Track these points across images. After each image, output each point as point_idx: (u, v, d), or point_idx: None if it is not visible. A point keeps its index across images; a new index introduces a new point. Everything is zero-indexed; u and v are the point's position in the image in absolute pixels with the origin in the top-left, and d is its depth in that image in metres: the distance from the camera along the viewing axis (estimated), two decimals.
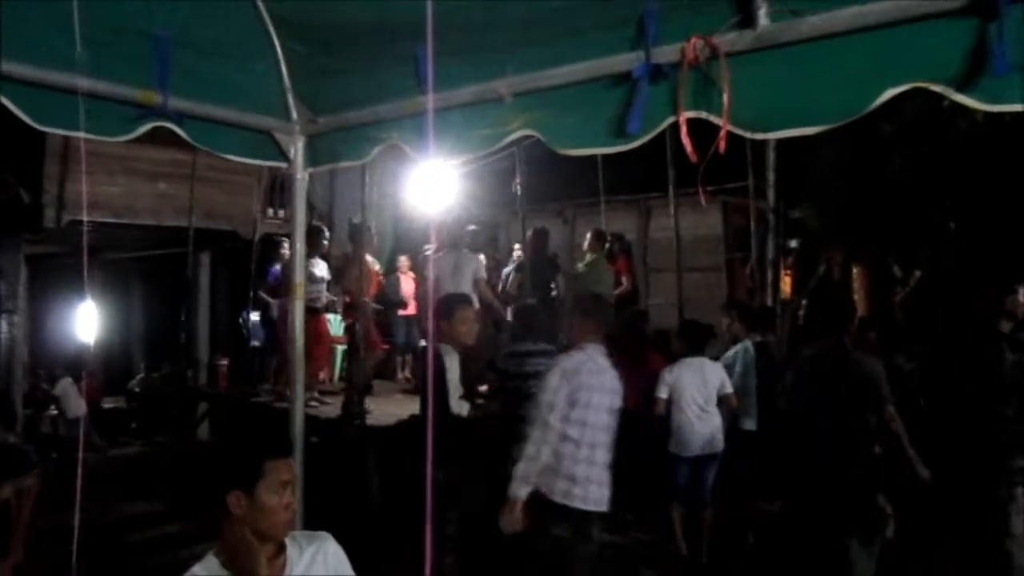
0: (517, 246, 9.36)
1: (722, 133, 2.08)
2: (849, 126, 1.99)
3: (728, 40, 2.07)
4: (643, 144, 2.31)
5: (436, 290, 6.07)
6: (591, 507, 3.60)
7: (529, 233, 8.63)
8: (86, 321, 10.39)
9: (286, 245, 7.87)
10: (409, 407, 6.77)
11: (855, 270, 8.87)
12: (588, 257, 8.27)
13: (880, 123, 8.20)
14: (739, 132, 2.10)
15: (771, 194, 9.97)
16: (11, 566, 4.16)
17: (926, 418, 4.45)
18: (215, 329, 11.92)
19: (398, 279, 9.31)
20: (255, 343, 9.65)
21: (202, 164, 9.55)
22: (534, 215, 10.17)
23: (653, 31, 2.16)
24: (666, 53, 2.16)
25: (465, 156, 2.75)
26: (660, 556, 5.76)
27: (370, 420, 6.66)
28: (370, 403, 7.04)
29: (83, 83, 2.32)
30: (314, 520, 2.72)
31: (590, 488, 3.59)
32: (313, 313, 6.73)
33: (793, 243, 10.31)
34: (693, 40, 2.08)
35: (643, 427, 5.79)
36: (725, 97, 2.05)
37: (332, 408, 7.22)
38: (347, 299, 7.70)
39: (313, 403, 6.97)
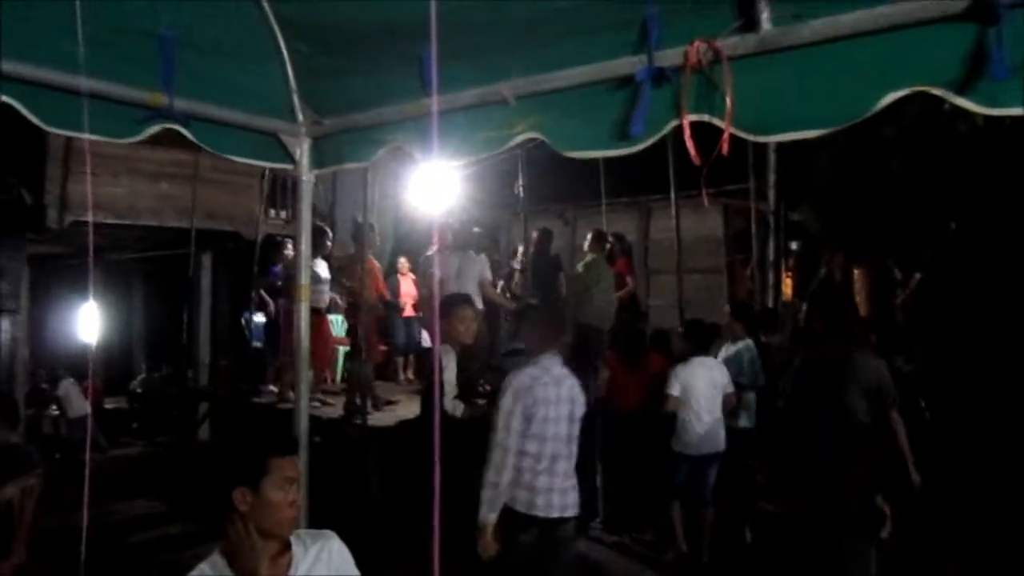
0: (520, 248, 9.39)
1: (725, 136, 2.09)
2: (850, 129, 2.01)
3: (731, 44, 2.08)
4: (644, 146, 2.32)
5: (440, 292, 6.08)
6: (555, 514, 3.63)
7: (535, 233, 8.68)
8: (88, 322, 10.42)
9: (290, 245, 7.89)
10: (413, 408, 6.78)
11: (855, 272, 8.89)
12: (588, 258, 8.29)
13: (880, 126, 8.23)
14: (741, 135, 2.12)
15: (772, 196, 10.01)
16: (14, 566, 4.16)
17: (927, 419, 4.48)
18: (216, 330, 11.94)
19: (397, 280, 9.32)
20: (256, 344, 9.66)
21: (204, 165, 9.56)
22: (535, 216, 10.18)
23: (656, 34, 2.18)
24: (669, 56, 2.17)
25: (469, 158, 2.76)
26: (661, 555, 5.78)
27: (372, 421, 6.67)
28: (371, 404, 7.06)
29: (90, 85, 2.34)
30: (315, 519, 2.74)
31: (552, 497, 3.62)
32: (315, 314, 6.74)
33: (794, 245, 10.33)
34: (696, 44, 2.10)
35: (644, 427, 5.82)
36: (728, 100, 2.06)
37: (334, 409, 7.24)
38: (349, 300, 7.71)
39: (315, 403, 6.99)
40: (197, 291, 11.55)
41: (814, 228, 10.44)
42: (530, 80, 2.49)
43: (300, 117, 3.18)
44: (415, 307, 9.03)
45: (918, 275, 7.81)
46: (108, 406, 12.18)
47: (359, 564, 2.04)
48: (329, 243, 7.73)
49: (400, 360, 9.53)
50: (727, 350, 6.18)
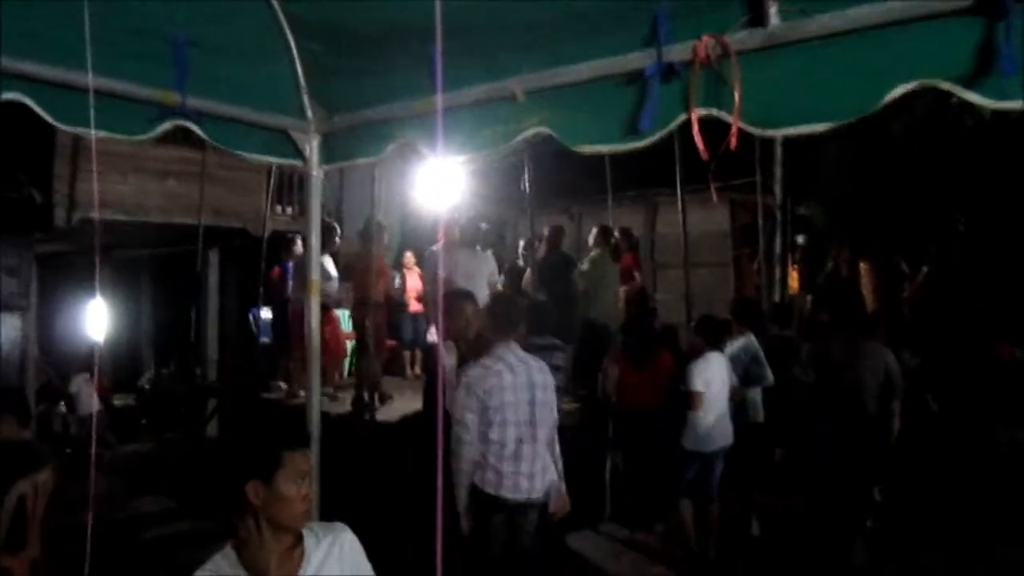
0: (521, 243, 9.39)
1: (733, 130, 2.11)
2: (856, 124, 2.02)
3: (739, 39, 2.09)
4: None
5: (447, 287, 6.09)
6: (522, 497, 3.73)
7: (545, 230, 8.66)
8: (96, 319, 10.47)
9: (299, 242, 7.91)
10: (415, 403, 6.83)
11: (862, 266, 8.87)
12: (593, 253, 8.29)
13: (888, 120, 8.21)
14: (749, 129, 2.13)
15: (778, 190, 10.00)
16: (27, 561, 4.19)
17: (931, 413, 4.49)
18: (224, 326, 11.98)
19: (403, 275, 9.35)
20: (264, 340, 9.69)
21: (211, 162, 9.58)
22: (541, 212, 10.19)
23: (665, 30, 2.19)
24: (678, 52, 2.19)
25: (478, 154, 2.78)
26: (670, 552, 5.79)
27: (380, 416, 6.70)
28: (378, 399, 7.09)
29: (103, 83, 2.36)
30: (324, 514, 2.76)
31: (519, 480, 3.72)
32: (324, 310, 6.76)
33: (800, 239, 10.31)
34: (705, 39, 2.11)
35: (654, 424, 5.81)
36: (736, 95, 2.08)
37: (343, 404, 7.27)
38: (358, 296, 7.73)
39: (323, 398, 7.00)
40: (205, 288, 11.58)
41: (821, 222, 10.44)
42: (539, 76, 2.50)
43: (309, 114, 3.20)
44: (419, 300, 9.04)
45: (925, 269, 7.79)
46: (117, 403, 12.22)
47: (369, 557, 2.05)
48: (338, 239, 7.75)
49: (407, 355, 9.56)
50: (730, 347, 6.16)
